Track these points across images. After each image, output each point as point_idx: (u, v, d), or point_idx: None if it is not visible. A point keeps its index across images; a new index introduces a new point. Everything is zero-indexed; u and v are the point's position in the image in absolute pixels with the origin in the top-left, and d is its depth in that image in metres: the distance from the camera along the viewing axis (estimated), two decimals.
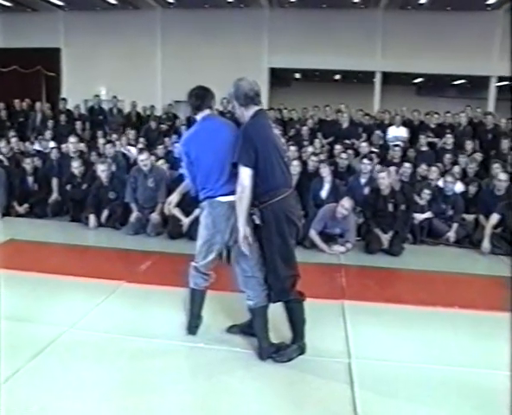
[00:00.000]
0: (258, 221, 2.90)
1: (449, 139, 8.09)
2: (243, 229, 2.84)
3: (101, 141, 8.28)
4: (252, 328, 3.17)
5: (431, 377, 2.91)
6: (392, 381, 2.84)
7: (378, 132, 8.83)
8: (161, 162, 7.02)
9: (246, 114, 2.95)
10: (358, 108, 10.33)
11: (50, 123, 9.72)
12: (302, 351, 3.07)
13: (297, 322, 3.06)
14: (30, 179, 7.10)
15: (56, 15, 13.69)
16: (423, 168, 6.99)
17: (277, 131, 3.84)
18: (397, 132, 8.84)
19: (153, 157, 6.91)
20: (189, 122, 10.10)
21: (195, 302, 3.33)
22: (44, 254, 5.19)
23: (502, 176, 6.16)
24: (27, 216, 6.85)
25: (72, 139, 7.25)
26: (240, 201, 2.84)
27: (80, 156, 7.11)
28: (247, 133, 2.85)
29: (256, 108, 2.96)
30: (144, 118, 10.67)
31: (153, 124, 9.59)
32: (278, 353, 3.02)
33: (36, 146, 8.67)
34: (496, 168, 6.57)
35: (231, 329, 3.38)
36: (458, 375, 2.94)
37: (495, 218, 5.80)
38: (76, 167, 6.72)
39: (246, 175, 2.82)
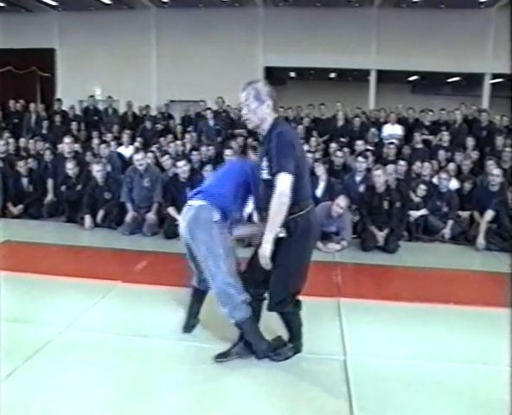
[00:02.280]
0: (283, 234, 2.66)
1: (445, 136, 8.12)
2: (270, 246, 2.61)
3: (96, 141, 8.27)
4: None
5: (426, 373, 2.92)
6: (387, 378, 2.85)
7: (373, 130, 8.86)
8: (166, 157, 7.03)
9: (269, 120, 2.71)
10: (354, 106, 10.35)
11: (45, 123, 9.71)
12: (298, 350, 3.06)
13: (293, 327, 3.02)
14: (25, 180, 7.09)
15: (50, 16, 13.64)
16: (417, 165, 7.02)
17: None
18: (392, 130, 8.87)
19: (150, 154, 6.92)
20: (184, 122, 10.12)
21: (196, 301, 3.31)
22: (40, 255, 5.18)
23: (496, 172, 6.19)
24: (22, 217, 6.84)
25: (66, 140, 7.23)
26: (279, 213, 2.57)
27: (74, 156, 7.10)
28: (286, 138, 2.61)
29: (276, 114, 2.76)
30: (140, 118, 10.66)
31: (148, 124, 9.58)
32: (275, 352, 3.01)
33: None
34: (491, 164, 6.59)
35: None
36: (454, 371, 2.95)
37: (489, 214, 5.82)
38: (70, 168, 6.70)
39: (287, 183, 2.56)
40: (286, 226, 2.66)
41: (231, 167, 3.32)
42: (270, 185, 2.62)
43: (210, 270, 2.88)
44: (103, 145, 7.59)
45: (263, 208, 2.79)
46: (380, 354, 3.14)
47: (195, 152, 7.28)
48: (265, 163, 2.68)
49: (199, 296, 3.31)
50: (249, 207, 3.10)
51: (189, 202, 2.98)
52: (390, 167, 6.44)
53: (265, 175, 2.69)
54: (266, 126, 2.72)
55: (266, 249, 2.61)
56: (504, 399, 2.60)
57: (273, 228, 2.60)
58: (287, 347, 3.03)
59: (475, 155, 7.71)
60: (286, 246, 2.69)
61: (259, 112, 2.70)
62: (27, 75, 13.78)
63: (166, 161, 6.91)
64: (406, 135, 8.85)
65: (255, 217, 3.16)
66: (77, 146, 7.98)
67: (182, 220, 2.98)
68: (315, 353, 3.11)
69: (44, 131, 9.45)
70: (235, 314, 2.88)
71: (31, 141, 8.54)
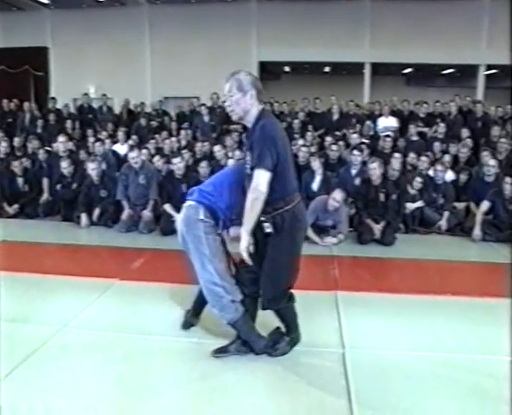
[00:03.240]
0: (269, 230, 2.65)
1: (441, 127, 8.13)
2: (248, 239, 2.59)
3: (91, 140, 8.25)
4: None
5: (424, 364, 2.93)
6: (386, 370, 2.85)
7: (368, 123, 8.86)
8: (157, 157, 6.96)
9: (252, 111, 2.64)
10: (348, 100, 10.35)
11: (40, 122, 9.67)
12: (296, 341, 3.06)
13: (289, 320, 3.01)
14: (20, 180, 7.07)
15: (42, 14, 13.59)
16: (411, 156, 7.03)
17: None
18: (387, 123, 8.87)
19: (145, 151, 6.88)
20: (179, 118, 10.09)
21: (200, 298, 3.22)
22: (36, 255, 5.17)
23: (492, 163, 6.20)
24: (18, 217, 6.82)
25: (61, 138, 7.21)
26: (252, 208, 2.55)
27: (69, 155, 7.08)
28: (268, 133, 2.54)
29: (261, 106, 2.68)
30: (134, 116, 10.64)
31: (143, 122, 9.55)
32: (273, 348, 3.00)
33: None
34: (486, 155, 6.61)
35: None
36: (452, 361, 2.96)
37: (485, 205, 5.84)
38: (65, 167, 6.68)
39: (264, 179, 2.52)
40: (273, 222, 2.63)
41: (232, 167, 3.30)
42: (251, 180, 2.59)
43: (197, 268, 2.88)
44: (97, 143, 7.57)
45: None
46: (378, 347, 3.14)
47: (184, 150, 7.26)
48: (248, 158, 2.65)
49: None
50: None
51: (185, 203, 3.00)
52: (395, 162, 6.38)
53: (248, 170, 2.66)
54: (251, 118, 2.66)
55: (243, 244, 2.59)
56: (502, 388, 2.63)
57: (249, 222, 2.57)
58: (285, 341, 3.03)
59: (469, 142, 7.71)
60: (275, 242, 2.68)
61: (242, 103, 2.63)
62: (20, 74, 13.72)
63: (157, 162, 6.82)
64: (401, 127, 8.85)
65: None
66: (71, 144, 7.95)
67: (179, 220, 3.03)
68: (313, 346, 3.12)
69: (39, 130, 9.40)
70: (225, 314, 2.87)
71: (30, 139, 8.48)
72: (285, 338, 3.03)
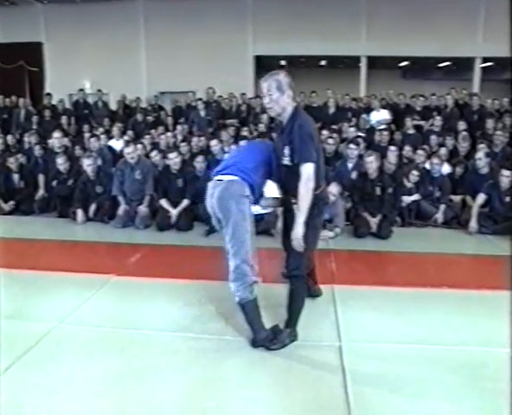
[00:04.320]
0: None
1: (438, 121, 8.13)
2: (302, 228, 2.84)
3: (87, 135, 8.22)
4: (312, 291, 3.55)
5: (421, 357, 2.94)
6: (382, 363, 2.86)
7: (364, 116, 8.85)
8: (154, 152, 6.91)
9: (288, 109, 2.91)
10: (344, 93, 10.34)
11: (35, 118, 9.63)
12: (294, 338, 3.08)
13: (294, 307, 3.07)
14: (16, 176, 7.04)
15: (36, 9, 13.49)
16: (407, 149, 7.04)
17: None
18: (379, 116, 8.84)
19: (140, 146, 6.86)
20: (175, 113, 10.06)
21: None
22: (32, 251, 5.15)
23: (480, 155, 6.23)
24: (13, 214, 6.79)
25: (56, 134, 7.18)
26: (307, 198, 2.83)
27: (65, 151, 7.05)
28: (307, 130, 2.85)
29: (295, 104, 2.96)
30: (130, 111, 10.60)
31: (139, 117, 9.52)
32: (272, 341, 3.02)
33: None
34: (482, 148, 6.61)
35: None
36: (448, 354, 2.97)
37: (481, 198, 5.85)
38: (61, 163, 6.65)
39: (312, 171, 2.83)
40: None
41: (254, 145, 3.42)
42: (291, 171, 2.90)
43: (235, 247, 2.91)
44: (93, 139, 7.54)
45: (285, 188, 3.06)
46: (374, 340, 3.15)
47: (182, 144, 7.25)
48: (287, 151, 2.91)
49: None
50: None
51: (218, 177, 3.01)
52: (392, 155, 6.39)
53: (286, 161, 2.93)
54: (287, 115, 2.92)
55: (299, 231, 2.84)
56: (498, 380, 2.63)
57: (304, 211, 2.84)
58: (284, 334, 3.05)
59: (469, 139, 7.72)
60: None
61: (281, 102, 2.88)
62: (14, 70, 13.63)
63: (155, 157, 6.78)
64: (397, 121, 8.84)
65: (277, 192, 3.19)
66: (66, 140, 7.92)
67: (210, 195, 3.01)
68: (310, 339, 3.13)
69: (34, 126, 9.36)
70: (242, 292, 2.93)
71: (29, 134, 8.43)
72: (286, 330, 3.06)
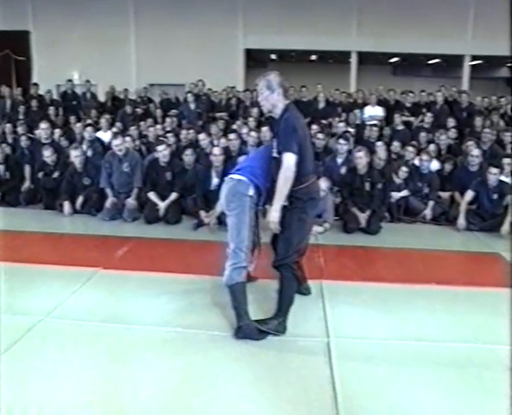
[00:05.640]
0: (286, 203, 3.08)
1: (428, 117, 8.15)
2: (279, 213, 3.02)
3: (78, 125, 8.11)
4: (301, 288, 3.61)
5: (408, 353, 2.95)
6: (370, 359, 2.87)
7: (357, 111, 8.85)
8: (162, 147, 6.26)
9: (280, 106, 3.12)
10: (334, 88, 10.33)
11: (21, 109, 9.49)
12: (281, 331, 3.10)
13: (284, 296, 3.17)
14: (1, 167, 6.93)
15: None
16: (395, 145, 7.05)
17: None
18: (373, 112, 8.86)
19: (128, 138, 6.75)
20: (163, 105, 9.97)
21: None
22: (18, 243, 5.06)
23: (475, 152, 6.24)
24: None
25: (43, 125, 7.07)
26: (285, 186, 2.99)
27: (51, 143, 6.94)
28: (290, 123, 3.04)
29: (287, 101, 3.16)
30: (119, 102, 10.49)
31: (129, 109, 9.42)
32: (262, 323, 3.08)
33: None
34: (470, 145, 6.64)
35: None
36: (435, 350, 2.98)
37: (469, 194, 5.88)
38: (48, 156, 6.54)
39: (292, 161, 2.98)
40: (289, 197, 3.05)
41: (266, 148, 3.56)
42: (277, 162, 3.07)
43: (232, 234, 3.15)
44: (88, 128, 7.44)
45: (274, 181, 3.13)
46: (363, 336, 3.15)
47: (169, 134, 7.17)
48: (274, 144, 3.15)
49: None
50: None
51: (231, 176, 3.29)
52: (380, 150, 6.39)
53: (274, 153, 3.14)
54: (278, 111, 3.13)
55: (275, 216, 3.02)
56: (483, 376, 2.66)
57: (280, 198, 3.01)
58: (272, 323, 3.10)
59: (452, 132, 7.75)
60: (290, 213, 3.09)
61: (270, 99, 3.11)
62: (1, 59, 13.42)
63: (163, 151, 6.18)
64: (386, 117, 8.86)
65: None
66: (58, 131, 7.81)
67: (223, 190, 3.30)
68: (298, 335, 3.12)
69: (21, 117, 9.22)
70: (232, 274, 3.08)
71: (8, 125, 8.30)
72: (273, 321, 3.12)
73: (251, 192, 3.16)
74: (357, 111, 8.89)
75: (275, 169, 3.09)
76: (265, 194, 3.25)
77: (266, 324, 3.10)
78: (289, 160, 2.98)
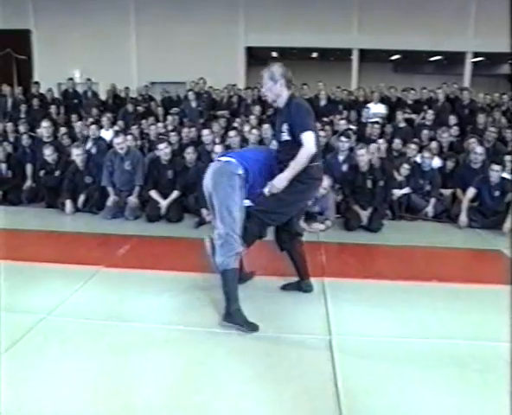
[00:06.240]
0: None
1: (429, 115, 8.14)
2: (285, 184, 3.14)
3: (78, 124, 8.12)
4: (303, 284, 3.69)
5: (410, 350, 2.95)
6: (372, 356, 2.86)
7: (366, 110, 8.80)
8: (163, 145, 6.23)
9: (284, 95, 3.26)
10: (336, 86, 10.32)
11: (23, 107, 9.50)
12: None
13: (298, 260, 3.56)
14: (3, 166, 6.94)
15: None
16: (396, 142, 7.04)
17: None
18: (375, 109, 8.85)
19: (130, 137, 6.76)
20: (164, 104, 9.97)
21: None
22: (20, 242, 5.07)
23: (479, 150, 6.22)
24: (1, 204, 6.68)
25: (44, 124, 7.08)
26: (301, 161, 3.11)
27: (53, 141, 6.95)
28: (304, 106, 3.21)
29: (290, 91, 3.31)
30: (120, 101, 10.49)
31: (130, 107, 9.42)
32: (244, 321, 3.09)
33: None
34: (473, 142, 6.63)
35: (286, 287, 3.72)
36: (437, 347, 2.97)
37: (471, 192, 5.87)
38: (49, 155, 6.55)
39: (312, 138, 3.11)
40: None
41: (261, 149, 3.79)
42: (289, 145, 3.19)
43: (223, 215, 3.11)
44: (93, 126, 7.45)
45: (282, 165, 3.23)
46: (364, 333, 3.15)
47: (172, 133, 7.18)
48: (285, 127, 3.22)
49: None
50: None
51: (218, 158, 3.36)
52: (372, 146, 6.44)
53: (285, 136, 3.24)
54: (282, 100, 3.28)
55: (280, 185, 3.14)
56: (486, 373, 2.65)
57: (293, 172, 3.13)
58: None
59: (453, 130, 7.74)
60: (289, 188, 3.19)
61: (274, 90, 3.26)
62: (2, 58, 13.41)
63: (165, 149, 6.15)
64: (388, 114, 8.84)
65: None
66: (64, 129, 7.82)
67: (208, 172, 3.28)
68: (300, 332, 3.12)
69: (22, 115, 9.23)
70: (225, 259, 3.09)
71: (9, 124, 8.31)
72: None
73: (240, 171, 3.18)
74: (366, 109, 8.85)
75: (285, 152, 3.22)
76: (253, 180, 3.24)
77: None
78: (309, 138, 3.09)
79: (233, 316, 3.08)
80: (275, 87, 3.24)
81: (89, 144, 7.08)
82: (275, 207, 3.23)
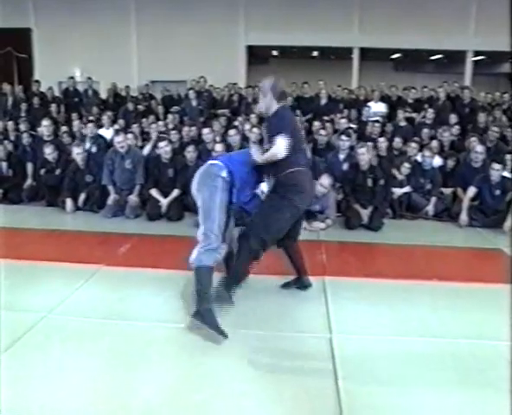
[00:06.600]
0: (267, 188, 3.40)
1: (430, 113, 8.13)
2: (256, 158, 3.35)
3: (76, 122, 8.12)
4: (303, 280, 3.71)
5: (411, 350, 2.95)
6: (373, 355, 2.86)
7: (367, 108, 8.80)
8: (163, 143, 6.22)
9: (274, 106, 3.38)
10: (336, 84, 10.31)
11: (23, 106, 9.49)
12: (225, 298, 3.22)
13: (295, 257, 3.62)
14: (4, 164, 6.93)
15: None
16: (397, 141, 7.04)
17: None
18: (376, 108, 8.84)
19: (130, 135, 6.76)
20: (165, 102, 9.97)
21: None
22: (20, 240, 5.07)
23: (479, 149, 6.22)
24: (1, 202, 6.68)
25: (45, 122, 7.08)
26: (267, 157, 3.25)
27: (53, 140, 6.95)
28: (281, 114, 3.33)
29: (281, 104, 3.43)
30: (121, 99, 10.48)
31: (130, 106, 9.42)
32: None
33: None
34: (474, 141, 6.63)
35: (286, 285, 3.75)
36: (437, 346, 2.98)
37: (472, 191, 5.87)
38: (49, 153, 6.55)
39: (283, 144, 3.19)
40: (273, 182, 3.31)
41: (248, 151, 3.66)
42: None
43: (203, 214, 3.20)
44: (90, 125, 7.45)
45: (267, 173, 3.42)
46: (365, 332, 3.15)
47: (173, 132, 7.18)
48: (267, 136, 3.37)
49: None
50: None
51: (207, 162, 3.45)
52: (370, 145, 6.42)
53: (267, 146, 3.35)
54: (271, 112, 3.40)
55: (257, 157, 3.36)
56: (486, 372, 2.66)
57: (259, 158, 3.33)
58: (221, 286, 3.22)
59: (454, 129, 7.73)
60: (273, 195, 3.31)
61: (263, 103, 3.46)
62: (2, 56, 13.40)
63: (165, 147, 6.12)
64: (389, 113, 8.84)
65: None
66: (64, 128, 7.82)
67: (196, 176, 3.38)
68: (300, 331, 3.13)
69: (23, 114, 9.23)
70: (201, 256, 3.12)
71: (10, 123, 8.30)
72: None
73: (224, 173, 3.25)
74: (366, 108, 8.84)
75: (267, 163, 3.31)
76: (239, 183, 3.30)
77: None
78: (280, 142, 3.18)
79: (204, 316, 3.02)
80: (265, 100, 3.43)
81: (88, 143, 7.07)
82: (264, 223, 3.25)
